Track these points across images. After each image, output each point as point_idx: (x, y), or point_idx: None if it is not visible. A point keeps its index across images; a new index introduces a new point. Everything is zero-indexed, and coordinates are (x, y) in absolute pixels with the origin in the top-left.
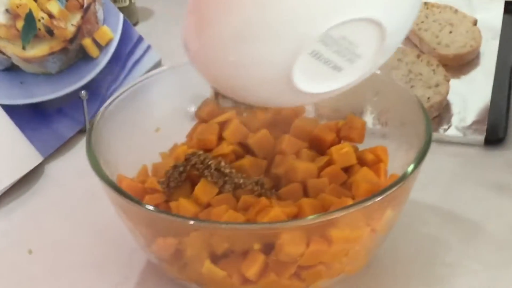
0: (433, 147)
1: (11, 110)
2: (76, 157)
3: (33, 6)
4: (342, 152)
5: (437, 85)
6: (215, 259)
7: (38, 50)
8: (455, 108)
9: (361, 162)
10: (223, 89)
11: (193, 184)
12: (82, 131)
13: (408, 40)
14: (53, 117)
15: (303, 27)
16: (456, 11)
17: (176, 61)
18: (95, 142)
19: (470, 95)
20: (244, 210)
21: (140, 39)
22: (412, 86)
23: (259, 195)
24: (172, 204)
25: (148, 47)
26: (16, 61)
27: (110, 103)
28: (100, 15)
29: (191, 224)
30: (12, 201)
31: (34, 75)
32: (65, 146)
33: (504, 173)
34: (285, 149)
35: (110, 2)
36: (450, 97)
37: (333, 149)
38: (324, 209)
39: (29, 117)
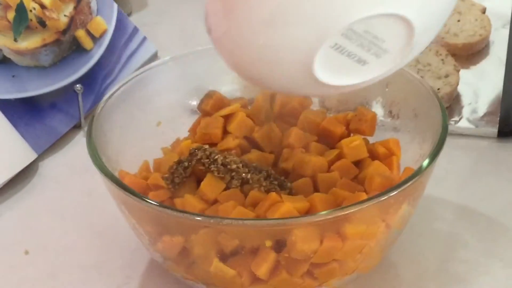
0: None
1: (2, 105)
2: (72, 153)
3: None
4: (353, 145)
5: (446, 76)
6: (224, 257)
7: (30, 42)
8: (465, 99)
9: (372, 155)
10: (245, 75)
11: (199, 180)
12: (77, 127)
13: None
14: (47, 112)
15: (323, 21)
16: None
17: (172, 53)
18: (95, 137)
19: (481, 85)
20: (253, 206)
21: (135, 30)
22: (420, 77)
23: (268, 191)
24: (177, 201)
25: (144, 39)
26: (8, 54)
27: (109, 97)
28: (94, 5)
29: (199, 220)
30: (6, 200)
31: (27, 68)
32: (59, 142)
33: None
34: (293, 143)
35: None
36: (460, 88)
37: (343, 142)
38: (336, 204)
39: (21, 112)
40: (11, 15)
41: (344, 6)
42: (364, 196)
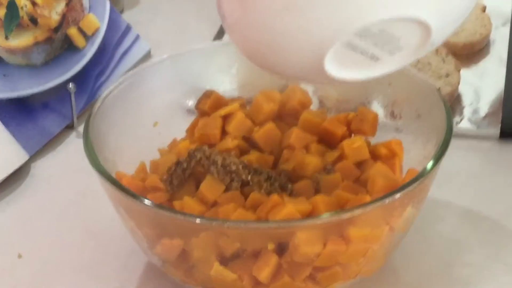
0: None
1: None
2: (64, 154)
3: None
4: (355, 147)
5: (447, 75)
6: (225, 260)
7: (21, 40)
8: (466, 100)
9: (374, 156)
10: (257, 60)
11: (197, 182)
12: (69, 127)
13: None
14: (39, 112)
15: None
16: None
17: (166, 51)
18: (92, 137)
19: (482, 85)
20: (254, 208)
21: (128, 28)
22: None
23: (269, 192)
24: (176, 203)
25: (137, 37)
26: None
27: (106, 96)
28: (86, 2)
29: (200, 223)
30: None
31: (18, 67)
32: (52, 142)
33: None
34: (294, 144)
35: None
36: (461, 88)
37: (345, 143)
38: (339, 206)
39: (13, 112)
40: (2, 12)
41: (360, 8)
42: (368, 198)
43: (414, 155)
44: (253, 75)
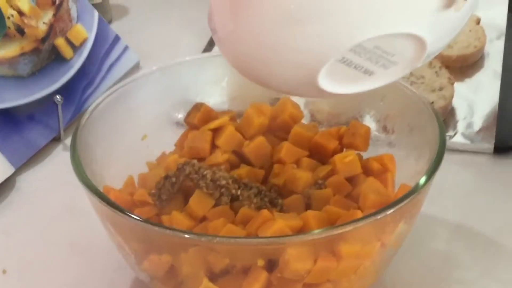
0: None
1: None
2: (51, 167)
3: (2, 3)
4: (346, 161)
5: (440, 89)
6: (214, 277)
7: (8, 50)
8: (460, 113)
9: (366, 171)
10: (248, 75)
11: (186, 196)
12: (56, 139)
13: None
14: (25, 124)
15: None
16: None
17: (154, 62)
18: (79, 151)
19: (476, 99)
20: (243, 223)
21: (116, 39)
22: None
23: (259, 208)
24: (164, 218)
25: (126, 48)
26: None
27: (94, 109)
28: (74, 12)
29: (189, 238)
30: None
31: (4, 78)
32: (38, 155)
33: None
34: (284, 158)
35: None
36: (454, 102)
37: (336, 157)
38: (330, 222)
39: None
40: None
41: (355, 24)
42: (359, 214)
43: (406, 170)
44: (243, 87)
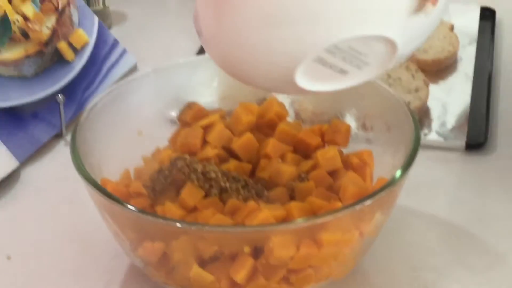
0: None
1: None
2: (53, 162)
3: (8, 9)
4: (328, 156)
5: (416, 90)
6: (203, 263)
7: (13, 53)
8: (434, 113)
9: (347, 166)
10: (233, 73)
11: (178, 188)
12: (58, 136)
13: None
14: (29, 121)
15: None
16: None
17: (151, 65)
18: (78, 145)
19: (449, 100)
20: (231, 214)
21: (115, 43)
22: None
23: (246, 199)
24: (158, 208)
25: (124, 51)
26: None
27: (93, 106)
28: (75, 18)
29: (180, 227)
30: None
31: (10, 78)
32: (41, 150)
33: (485, 178)
34: (270, 153)
35: (85, 5)
36: (429, 102)
37: (319, 153)
38: (313, 212)
39: (4, 121)
40: None
41: (330, 26)
42: (339, 204)
43: (384, 164)
44: (233, 88)
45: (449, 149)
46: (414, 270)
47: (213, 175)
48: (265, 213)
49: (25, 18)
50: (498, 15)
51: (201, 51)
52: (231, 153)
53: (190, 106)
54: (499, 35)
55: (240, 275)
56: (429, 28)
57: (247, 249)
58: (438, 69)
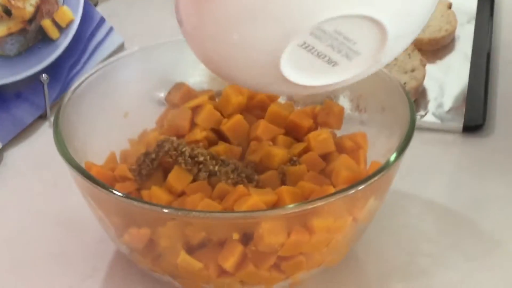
0: None
1: None
2: (37, 144)
3: None
4: (320, 139)
5: (413, 70)
6: (191, 250)
7: None
8: (431, 94)
9: (340, 149)
10: (214, 68)
11: (166, 172)
12: (42, 117)
13: None
14: (12, 102)
15: (292, 19)
16: None
17: (139, 44)
18: (62, 127)
19: (447, 80)
20: (220, 198)
21: (102, 21)
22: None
23: (235, 183)
24: (144, 193)
25: (111, 29)
26: None
27: (77, 87)
28: None
29: (166, 213)
30: None
31: None
32: (25, 132)
33: (483, 161)
34: (261, 136)
35: None
36: (426, 83)
37: (311, 135)
38: (304, 197)
39: None
40: None
41: (313, 4)
42: (331, 189)
43: (378, 147)
44: None
45: (446, 131)
46: (409, 256)
47: (201, 158)
48: (255, 198)
49: None
50: None
51: None
52: (220, 136)
53: (178, 87)
54: (498, 13)
55: (229, 262)
56: (424, 15)
57: (236, 236)
58: (435, 48)
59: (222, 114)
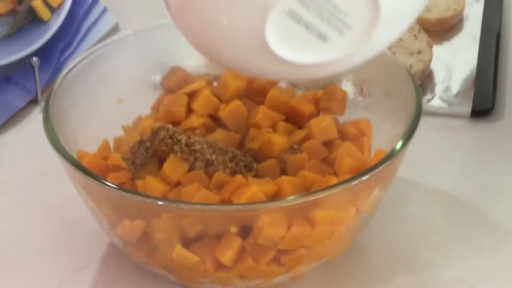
0: None
1: None
2: (28, 130)
3: None
4: (322, 126)
5: (419, 52)
6: (187, 243)
7: None
8: (438, 77)
9: (343, 136)
10: (206, 52)
11: (161, 161)
12: (33, 102)
13: None
14: (1, 86)
15: None
16: None
17: (134, 26)
18: (52, 114)
19: (455, 62)
20: (218, 188)
21: (95, 1)
22: (392, 54)
23: (234, 172)
24: (138, 183)
25: (104, 10)
26: None
27: (68, 71)
28: None
29: (161, 205)
30: None
31: None
32: (15, 118)
33: (493, 147)
34: (260, 122)
35: None
36: (433, 65)
37: (312, 122)
38: (305, 187)
39: None
40: None
41: None
42: (334, 180)
43: (383, 134)
44: None
45: (454, 116)
46: (415, 248)
47: (198, 146)
48: (254, 189)
49: None
50: None
51: None
52: (218, 122)
53: (174, 71)
54: None
55: (227, 256)
56: None
57: (234, 229)
58: (442, 29)
59: (220, 100)
